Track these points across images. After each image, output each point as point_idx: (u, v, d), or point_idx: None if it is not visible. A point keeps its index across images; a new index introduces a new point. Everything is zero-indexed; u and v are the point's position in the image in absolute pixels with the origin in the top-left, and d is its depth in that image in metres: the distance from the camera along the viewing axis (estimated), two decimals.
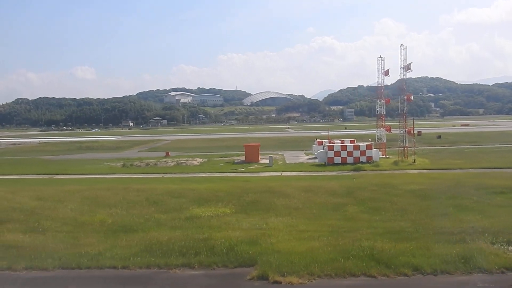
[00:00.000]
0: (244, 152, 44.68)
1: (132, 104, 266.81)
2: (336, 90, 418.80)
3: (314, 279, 10.50)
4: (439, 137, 68.06)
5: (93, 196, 22.26)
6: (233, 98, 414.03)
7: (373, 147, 39.14)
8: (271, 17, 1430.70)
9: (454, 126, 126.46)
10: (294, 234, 14.08)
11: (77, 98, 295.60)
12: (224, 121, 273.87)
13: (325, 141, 46.24)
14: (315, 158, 44.00)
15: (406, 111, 41.72)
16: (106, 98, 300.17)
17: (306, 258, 11.50)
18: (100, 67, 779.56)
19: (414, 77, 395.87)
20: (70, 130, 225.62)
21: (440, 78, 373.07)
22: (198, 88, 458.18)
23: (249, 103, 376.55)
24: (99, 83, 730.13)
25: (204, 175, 34.64)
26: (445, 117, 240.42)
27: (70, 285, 11.15)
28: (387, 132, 45.52)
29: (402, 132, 41.17)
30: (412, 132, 39.87)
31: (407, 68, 40.44)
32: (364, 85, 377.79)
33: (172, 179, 31.42)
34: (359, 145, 39.53)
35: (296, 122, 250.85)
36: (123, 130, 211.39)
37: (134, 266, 11.69)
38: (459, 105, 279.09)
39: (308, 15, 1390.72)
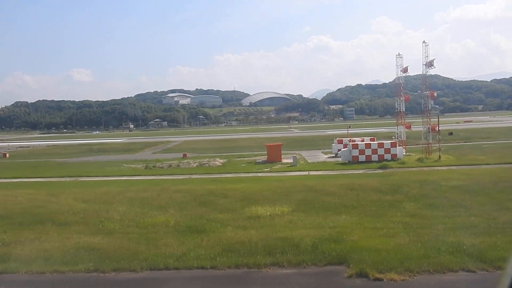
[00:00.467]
0: (263, 152, 44.73)
1: (132, 106, 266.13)
2: (334, 88, 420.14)
3: (414, 276, 10.48)
4: (451, 133, 68.16)
5: (139, 198, 22.14)
6: (232, 98, 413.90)
7: (397, 144, 39.25)
8: (267, 17, 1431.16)
9: (458, 122, 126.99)
10: (369, 232, 14.05)
11: (76, 100, 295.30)
12: (224, 122, 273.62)
13: (345, 140, 46.43)
14: (335, 156, 44.25)
15: (429, 107, 41.69)
16: (104, 100, 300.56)
17: (397, 255, 11.47)
18: (97, 69, 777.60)
19: (412, 74, 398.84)
20: (71, 132, 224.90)
21: (438, 75, 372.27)
22: (196, 89, 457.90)
23: (247, 104, 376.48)
24: (96, 86, 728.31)
25: (230, 175, 34.52)
26: (445, 114, 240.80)
27: (162, 286, 11.12)
28: (407, 130, 45.56)
29: (425, 128, 41.22)
30: (436, 129, 39.92)
31: (430, 64, 40.62)
32: (363, 84, 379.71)
33: (203, 180, 31.34)
34: (383, 142, 39.63)
35: (297, 122, 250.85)
36: (124, 132, 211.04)
37: (222, 265, 11.62)
38: (459, 102, 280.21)
39: (304, 14, 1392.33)
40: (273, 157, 41.53)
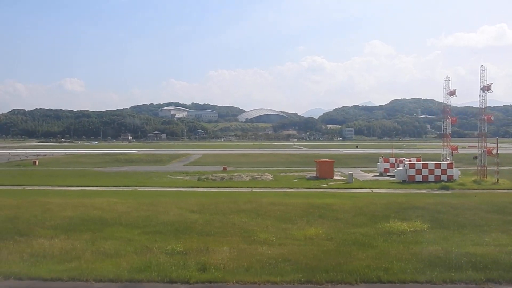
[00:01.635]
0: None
1: (131, 118, 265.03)
2: (325, 108, 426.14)
3: None
4: (476, 158, 68.85)
5: (247, 209, 21.74)
6: (227, 114, 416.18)
7: (453, 165, 39.61)
8: (262, 35, 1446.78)
9: (464, 147, 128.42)
10: None
11: (74, 110, 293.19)
12: (223, 137, 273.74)
13: (391, 159, 46.79)
14: (380, 175, 44.46)
15: (486, 130, 42.26)
16: (98, 110, 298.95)
17: None
18: (89, 79, 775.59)
19: (407, 98, 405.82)
20: (69, 142, 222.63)
21: (433, 99, 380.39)
22: (192, 103, 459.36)
23: (244, 120, 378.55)
24: (89, 96, 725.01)
25: (291, 190, 34.30)
26: (442, 138, 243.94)
27: None
28: (455, 152, 46.00)
29: (481, 151, 41.68)
30: (492, 152, 40.40)
31: (487, 88, 41.20)
32: (359, 105, 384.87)
33: (275, 194, 31.02)
34: (440, 163, 39.97)
35: (296, 140, 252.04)
36: (123, 143, 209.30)
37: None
38: (455, 127, 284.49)
39: (299, 34, 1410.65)
40: (325, 173, 41.48)
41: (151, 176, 44.68)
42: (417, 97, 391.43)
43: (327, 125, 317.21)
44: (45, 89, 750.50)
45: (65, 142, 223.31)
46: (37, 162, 59.54)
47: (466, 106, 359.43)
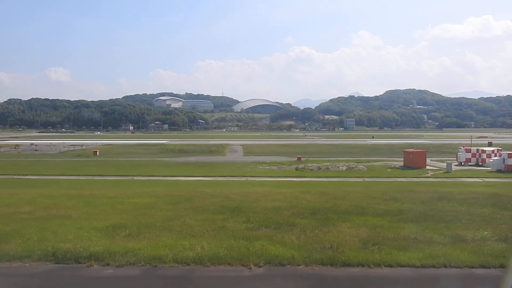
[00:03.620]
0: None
1: (131, 108, 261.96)
2: (313, 99, 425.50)
3: None
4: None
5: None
6: (222, 104, 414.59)
7: None
8: (251, 26, 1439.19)
9: (472, 137, 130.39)
10: None
11: (71, 100, 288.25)
12: (225, 127, 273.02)
13: (472, 149, 47.62)
14: (461, 165, 45.27)
15: None
16: (90, 100, 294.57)
17: None
18: (75, 69, 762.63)
19: (402, 89, 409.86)
20: (70, 132, 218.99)
21: (427, 91, 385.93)
22: (186, 93, 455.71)
23: (239, 110, 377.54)
24: (73, 86, 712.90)
25: (401, 179, 34.84)
26: (443, 129, 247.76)
27: None
28: None
29: None
30: None
31: None
32: (355, 96, 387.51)
33: (398, 183, 31.18)
34: None
35: (298, 130, 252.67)
36: (126, 133, 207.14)
37: None
38: (451, 118, 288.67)
39: (287, 25, 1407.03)
40: (418, 163, 42.13)
41: (239, 167, 44.69)
42: (411, 87, 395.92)
43: (325, 116, 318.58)
44: (30, 79, 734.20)
45: (65, 132, 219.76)
46: (97, 153, 58.91)
47: (461, 97, 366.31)
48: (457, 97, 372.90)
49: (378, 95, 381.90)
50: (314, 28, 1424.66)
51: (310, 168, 41.35)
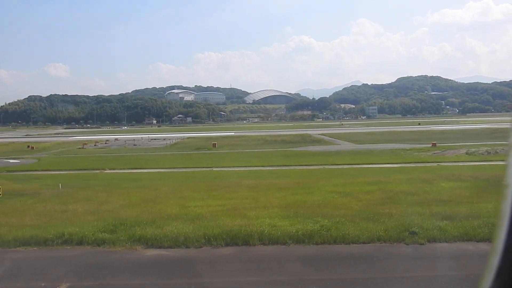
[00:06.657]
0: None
1: (153, 102, 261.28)
2: (314, 88, 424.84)
3: None
4: None
5: None
6: (232, 96, 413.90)
7: None
8: (249, 16, 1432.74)
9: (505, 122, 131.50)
10: None
11: (90, 95, 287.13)
12: (246, 119, 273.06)
13: None
14: None
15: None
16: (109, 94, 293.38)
17: None
18: (74, 65, 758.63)
19: (414, 75, 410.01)
20: (95, 127, 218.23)
21: (440, 76, 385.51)
22: (196, 86, 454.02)
23: (251, 101, 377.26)
24: (74, 82, 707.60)
25: None
26: (467, 114, 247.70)
27: None
28: None
29: None
30: None
31: None
32: (369, 84, 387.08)
33: None
34: None
35: (321, 120, 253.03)
36: (152, 127, 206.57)
37: None
38: (468, 103, 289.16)
39: (286, 14, 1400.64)
40: None
41: (397, 154, 44.60)
42: (424, 74, 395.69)
43: (340, 105, 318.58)
44: (29, 76, 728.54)
45: (91, 127, 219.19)
46: (216, 145, 59.13)
47: (476, 82, 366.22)
48: (471, 82, 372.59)
49: (390, 82, 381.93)
50: (313, 16, 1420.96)
51: (480, 153, 41.60)
